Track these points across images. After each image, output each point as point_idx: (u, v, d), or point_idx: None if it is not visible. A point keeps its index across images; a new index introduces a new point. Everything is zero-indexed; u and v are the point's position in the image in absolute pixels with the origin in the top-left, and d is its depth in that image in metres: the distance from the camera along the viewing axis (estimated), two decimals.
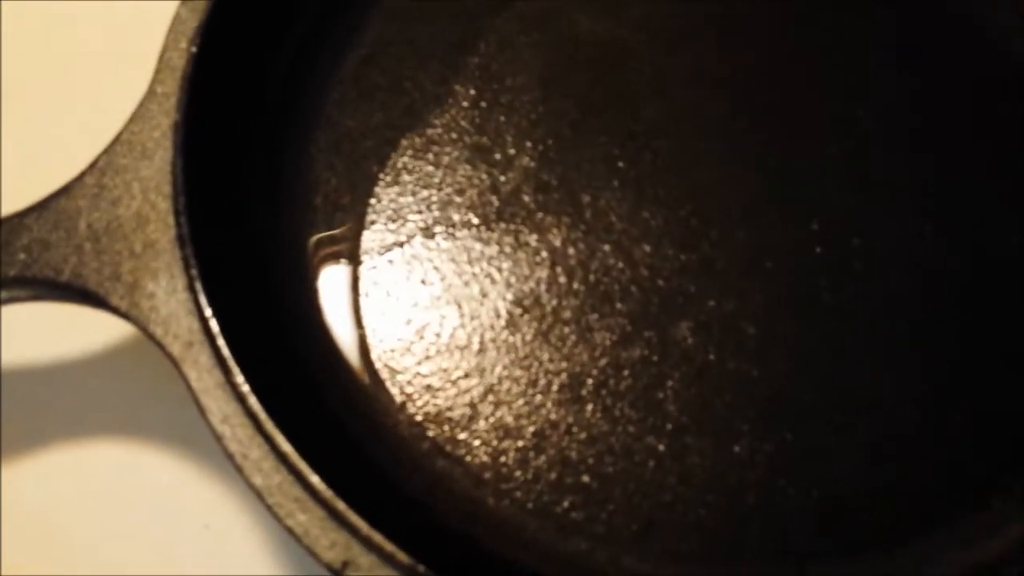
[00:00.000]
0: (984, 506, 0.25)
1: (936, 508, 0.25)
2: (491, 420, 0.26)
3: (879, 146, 0.29)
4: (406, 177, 0.29)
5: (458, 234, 0.28)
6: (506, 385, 0.26)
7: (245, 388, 0.22)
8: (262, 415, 0.22)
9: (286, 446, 0.21)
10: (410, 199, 0.29)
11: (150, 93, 0.26)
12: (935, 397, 0.26)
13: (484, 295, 0.28)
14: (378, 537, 0.21)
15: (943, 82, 0.30)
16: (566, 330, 0.27)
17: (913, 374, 0.26)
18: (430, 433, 0.26)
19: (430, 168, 0.29)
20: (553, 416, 0.26)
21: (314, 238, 0.28)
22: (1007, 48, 0.30)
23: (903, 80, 0.30)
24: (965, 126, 0.29)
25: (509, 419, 0.26)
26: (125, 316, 0.24)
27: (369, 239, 0.28)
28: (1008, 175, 0.28)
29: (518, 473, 0.25)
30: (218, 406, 0.22)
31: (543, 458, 0.26)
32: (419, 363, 0.27)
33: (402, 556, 0.21)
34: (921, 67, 0.30)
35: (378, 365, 0.27)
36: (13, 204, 0.25)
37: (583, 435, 0.26)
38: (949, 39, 0.30)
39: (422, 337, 0.27)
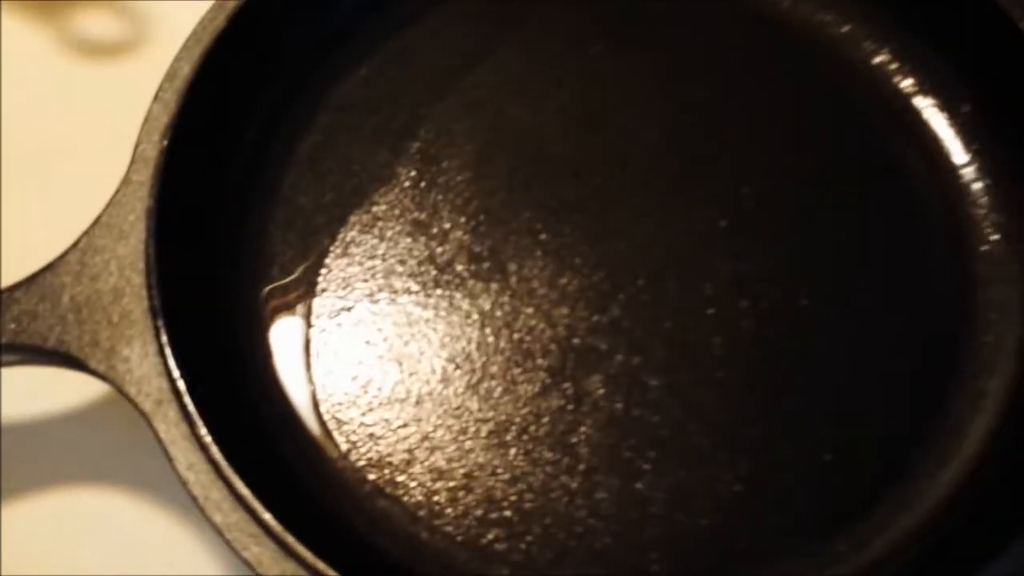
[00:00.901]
0: (850, 529, 0.29)
1: (806, 531, 0.29)
2: (426, 464, 0.29)
3: (761, 220, 0.32)
4: (354, 249, 0.33)
5: (399, 300, 0.32)
6: (440, 433, 0.30)
7: (208, 439, 0.25)
8: (222, 462, 0.25)
9: (243, 489, 0.25)
10: (357, 269, 0.32)
11: (126, 181, 0.29)
12: (807, 437, 0.30)
13: (422, 353, 0.31)
14: (322, 566, 0.24)
15: (818, 162, 0.34)
16: (493, 383, 0.31)
17: (789, 417, 0.30)
18: (372, 477, 0.29)
19: (375, 241, 0.33)
20: (480, 459, 0.30)
21: (271, 304, 0.31)
22: (874, 131, 0.35)
23: (783, 160, 0.34)
24: (838, 201, 0.33)
25: (442, 463, 0.29)
26: (103, 378, 0.27)
27: (320, 305, 0.32)
28: (869, 246, 0.33)
29: (449, 510, 0.29)
30: (184, 455, 0.26)
31: (471, 496, 0.29)
32: (363, 414, 0.30)
33: None
34: (799, 149, 0.34)
35: (326, 417, 0.30)
36: (3, 279, 0.28)
37: (506, 475, 0.29)
38: (826, 124, 0.35)
39: (366, 391, 0.30)
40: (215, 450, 0.25)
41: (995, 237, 0.33)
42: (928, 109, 0.35)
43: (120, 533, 0.30)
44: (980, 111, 0.34)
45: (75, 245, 0.28)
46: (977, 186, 0.34)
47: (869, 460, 0.30)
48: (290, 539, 0.24)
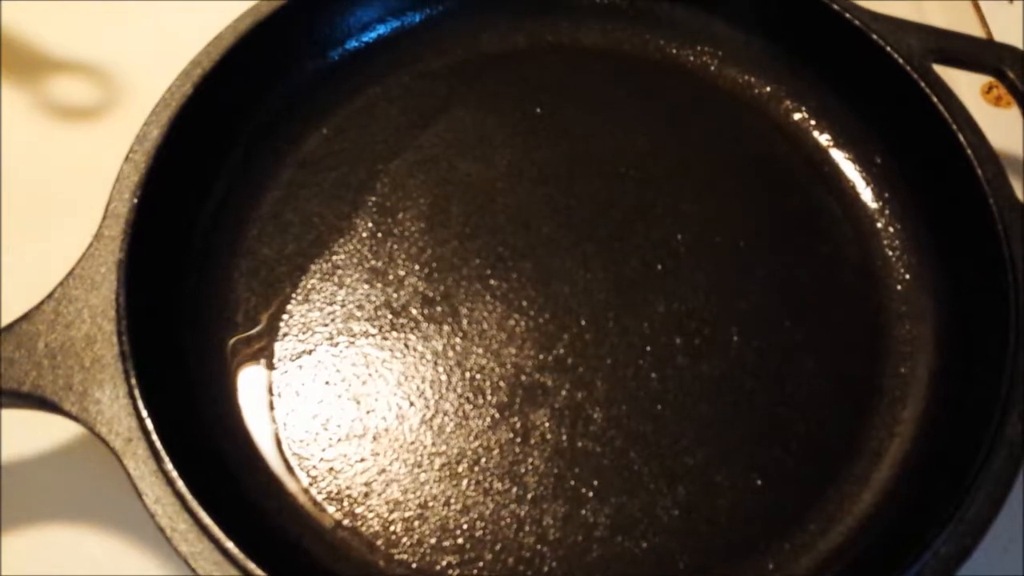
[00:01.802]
0: (778, 549, 0.31)
1: (739, 551, 0.31)
2: (383, 496, 0.31)
3: (694, 264, 0.35)
4: (314, 296, 0.35)
5: (357, 342, 0.34)
6: (396, 466, 0.32)
7: (174, 474, 0.27)
8: (188, 496, 0.27)
9: (207, 520, 0.26)
10: (317, 314, 0.34)
11: (98, 236, 0.31)
12: (738, 464, 0.32)
13: (378, 392, 0.33)
14: None
15: (746, 210, 0.37)
16: (446, 419, 0.33)
17: (721, 446, 0.32)
18: (332, 509, 0.31)
19: (334, 288, 0.35)
20: (434, 490, 0.31)
21: (235, 347, 0.33)
22: (796, 182, 0.38)
23: (714, 209, 0.36)
24: (764, 246, 0.36)
25: (398, 494, 0.31)
26: (76, 419, 0.28)
27: (282, 348, 0.33)
28: (793, 286, 0.35)
29: (405, 539, 0.31)
30: (152, 490, 0.27)
31: (426, 526, 0.31)
32: (323, 450, 0.32)
33: None
34: (728, 198, 0.37)
35: (288, 453, 0.32)
36: None
37: (459, 505, 0.31)
38: (752, 175, 0.38)
39: (326, 428, 0.32)
40: (181, 484, 0.27)
41: (907, 277, 0.36)
42: (844, 161, 0.38)
43: (91, 566, 0.31)
44: (891, 163, 0.37)
45: (50, 295, 0.30)
46: (890, 230, 0.37)
47: (795, 484, 0.32)
48: (252, 566, 0.26)
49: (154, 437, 0.27)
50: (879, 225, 0.37)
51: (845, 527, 0.31)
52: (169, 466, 0.27)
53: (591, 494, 0.31)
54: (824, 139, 0.38)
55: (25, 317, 0.30)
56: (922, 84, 0.36)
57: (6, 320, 0.30)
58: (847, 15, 0.37)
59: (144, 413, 0.28)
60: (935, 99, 0.35)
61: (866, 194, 0.37)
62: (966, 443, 0.30)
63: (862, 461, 0.32)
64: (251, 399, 0.32)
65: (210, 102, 0.34)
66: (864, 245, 0.36)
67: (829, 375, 0.34)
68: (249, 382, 0.33)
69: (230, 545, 0.26)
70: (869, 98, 0.38)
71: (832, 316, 0.35)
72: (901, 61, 0.36)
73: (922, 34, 0.37)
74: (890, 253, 0.36)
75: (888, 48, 0.36)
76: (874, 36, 0.36)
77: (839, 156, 0.38)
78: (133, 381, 0.28)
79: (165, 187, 0.32)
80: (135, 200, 0.31)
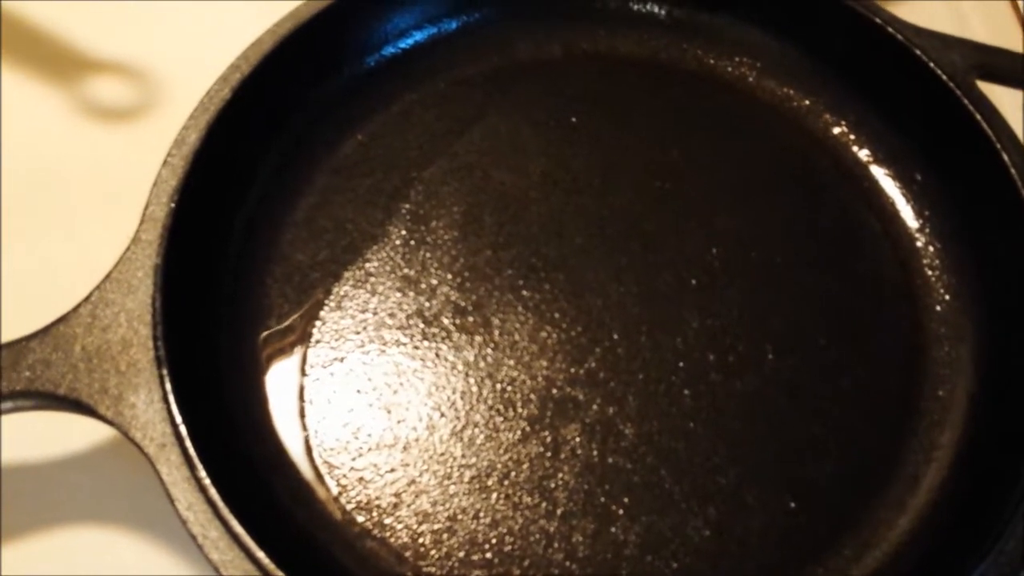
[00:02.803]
0: (810, 573, 0.30)
1: (767, 573, 0.30)
2: (412, 507, 0.31)
3: (728, 281, 0.35)
4: (347, 303, 0.35)
5: (389, 351, 0.34)
6: (425, 477, 0.32)
7: (207, 481, 0.27)
8: (220, 503, 0.27)
9: (238, 528, 0.26)
10: (349, 321, 0.34)
11: (136, 240, 0.31)
12: (771, 484, 0.32)
13: (409, 402, 0.33)
14: None
15: (782, 225, 0.36)
16: (476, 431, 0.32)
17: (754, 466, 0.32)
18: (361, 519, 0.31)
19: (367, 295, 0.35)
20: (464, 503, 0.31)
21: (268, 354, 0.33)
22: (834, 198, 0.37)
23: (750, 223, 0.36)
24: (801, 262, 0.36)
25: (427, 506, 0.31)
26: (110, 423, 0.28)
27: (314, 355, 0.33)
28: (830, 305, 0.35)
29: (433, 552, 0.30)
30: (184, 496, 0.27)
31: (454, 539, 0.31)
32: (353, 459, 0.32)
33: None
34: (764, 212, 0.36)
35: (319, 462, 0.32)
36: (20, 331, 0.30)
37: (488, 519, 0.31)
38: (789, 190, 0.37)
39: (356, 437, 0.32)
40: (213, 491, 0.27)
41: (947, 297, 0.35)
42: (884, 177, 0.37)
43: (121, 569, 0.31)
44: (932, 180, 0.37)
45: (87, 299, 0.30)
46: (930, 249, 0.36)
47: (829, 507, 0.31)
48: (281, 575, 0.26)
49: (188, 443, 0.28)
50: (919, 243, 0.36)
51: (880, 552, 0.30)
52: (202, 473, 0.27)
53: (621, 511, 0.31)
54: (864, 154, 0.38)
55: (62, 320, 0.30)
56: (965, 101, 0.35)
57: (43, 323, 0.30)
58: (890, 29, 0.36)
59: (178, 419, 0.28)
60: (978, 116, 0.35)
61: (906, 211, 0.37)
62: (1006, 470, 0.30)
63: (899, 486, 0.32)
64: (283, 405, 0.32)
65: (248, 107, 0.34)
66: (903, 264, 0.36)
67: (865, 396, 0.33)
68: (281, 388, 0.33)
69: (261, 554, 0.26)
70: (910, 113, 0.37)
71: (869, 335, 0.34)
72: (944, 77, 0.35)
73: (965, 50, 0.36)
74: (930, 272, 0.36)
75: (931, 64, 0.36)
76: (917, 51, 0.36)
77: (879, 172, 0.38)
78: (168, 386, 0.28)
79: (202, 192, 0.32)
80: (172, 205, 0.31)
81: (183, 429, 0.28)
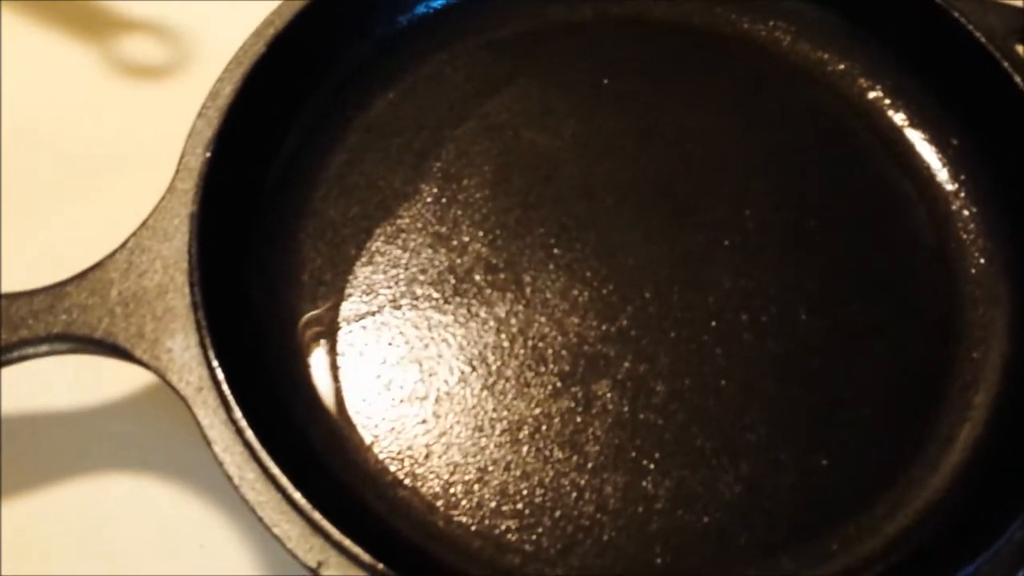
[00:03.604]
0: (843, 530, 0.30)
1: (801, 530, 0.30)
2: (443, 458, 0.31)
3: (762, 240, 0.35)
4: (378, 259, 0.35)
5: (420, 306, 0.34)
6: (456, 429, 0.32)
7: (243, 423, 0.27)
8: (256, 444, 0.27)
9: (275, 469, 0.26)
10: (381, 277, 0.34)
11: (171, 189, 0.31)
12: (803, 442, 0.31)
13: (440, 356, 0.33)
14: (347, 542, 0.26)
15: (816, 188, 0.36)
16: (507, 385, 0.32)
17: (786, 424, 0.32)
18: (392, 468, 0.31)
19: (398, 252, 0.35)
20: (495, 455, 0.31)
21: (300, 306, 0.33)
22: (868, 161, 0.37)
23: (782, 185, 0.36)
24: (834, 224, 0.35)
25: (458, 457, 0.31)
26: (147, 366, 0.29)
27: (346, 309, 0.34)
28: (865, 267, 0.35)
29: (464, 501, 0.31)
30: (221, 438, 0.27)
31: (485, 489, 0.31)
32: (385, 410, 0.32)
33: (366, 557, 0.25)
34: (797, 175, 0.36)
35: (351, 412, 0.32)
36: (58, 275, 0.30)
37: (519, 471, 0.31)
38: (823, 153, 0.37)
39: (388, 389, 0.32)
40: (250, 433, 0.27)
41: (982, 261, 0.35)
42: (920, 142, 0.37)
43: (155, 514, 0.31)
44: (968, 144, 0.36)
45: (123, 245, 0.30)
46: (965, 213, 0.36)
47: (862, 465, 0.31)
48: (317, 516, 0.26)
49: (224, 387, 0.28)
50: (954, 207, 0.36)
51: (913, 511, 0.30)
52: (238, 414, 0.27)
53: (652, 466, 0.31)
54: (899, 118, 0.38)
55: (98, 265, 0.30)
56: (1004, 64, 0.35)
57: (81, 267, 0.30)
58: None
59: (215, 363, 0.28)
60: (1017, 79, 0.34)
61: (941, 175, 0.37)
62: None
63: (932, 445, 0.31)
64: (316, 357, 0.33)
65: (281, 62, 0.34)
66: (938, 227, 0.35)
67: (899, 357, 0.33)
68: (313, 340, 0.33)
69: (297, 495, 0.26)
70: (947, 78, 0.37)
71: (903, 298, 0.34)
72: (983, 40, 0.35)
73: (1005, 13, 0.36)
74: (964, 236, 0.35)
75: (970, 27, 0.35)
76: (956, 14, 0.36)
77: (915, 136, 0.37)
78: (204, 331, 0.29)
79: (236, 143, 0.32)
80: (208, 154, 0.31)
81: (219, 373, 0.28)
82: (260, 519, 0.26)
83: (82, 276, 0.30)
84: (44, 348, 0.29)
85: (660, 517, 0.30)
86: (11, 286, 0.30)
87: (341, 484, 0.30)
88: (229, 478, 0.27)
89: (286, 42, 0.34)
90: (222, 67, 0.33)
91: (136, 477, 0.32)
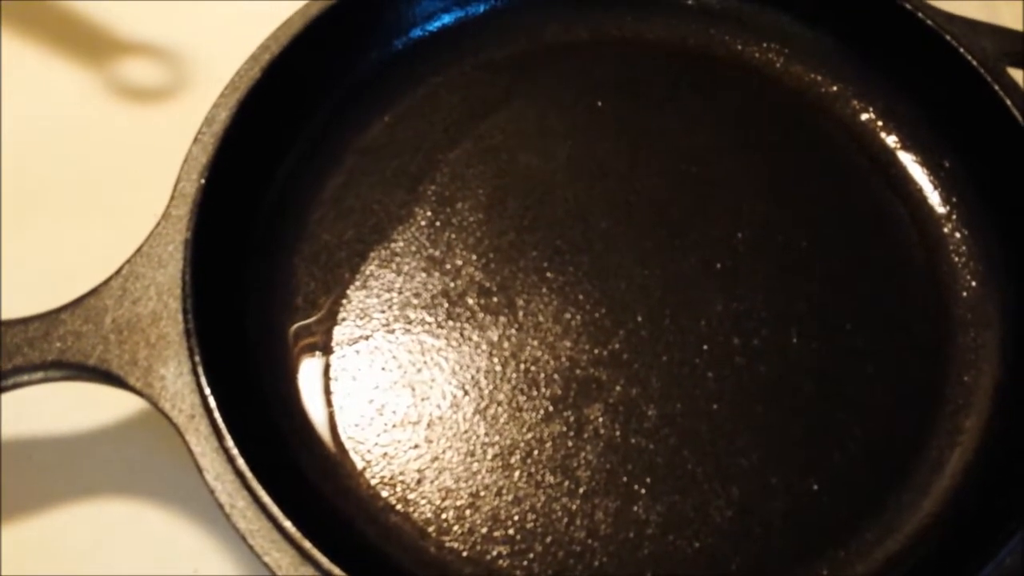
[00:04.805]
0: (832, 555, 0.30)
1: (792, 555, 0.30)
2: (435, 483, 0.31)
3: (754, 264, 0.35)
4: (372, 283, 0.35)
5: (414, 330, 0.34)
6: (449, 454, 0.32)
7: (235, 451, 0.27)
8: (247, 473, 0.27)
9: (266, 498, 0.27)
10: (375, 301, 0.35)
11: (166, 215, 0.31)
12: (794, 466, 0.31)
13: (433, 380, 0.33)
14: (337, 570, 0.26)
15: (809, 211, 0.36)
16: (499, 409, 0.33)
17: (777, 448, 0.32)
18: (384, 494, 0.31)
19: (392, 275, 0.35)
20: (486, 480, 0.31)
21: (294, 331, 0.33)
22: (861, 183, 0.37)
23: (775, 208, 0.36)
24: (827, 248, 0.35)
25: (450, 482, 0.31)
26: (140, 394, 0.29)
27: (340, 333, 0.34)
28: (856, 290, 0.35)
29: (456, 527, 0.31)
30: (212, 466, 0.27)
31: (477, 515, 0.31)
32: (378, 435, 0.32)
33: None
34: (790, 198, 0.36)
35: (344, 437, 0.32)
36: (52, 303, 0.30)
37: (510, 496, 0.31)
38: (816, 175, 0.37)
39: (381, 414, 0.32)
40: (241, 462, 0.27)
41: (973, 284, 0.35)
42: (911, 164, 0.37)
43: (148, 541, 0.31)
44: (960, 167, 0.37)
45: (118, 272, 0.31)
46: (956, 236, 0.36)
47: (852, 489, 0.31)
48: (307, 545, 0.26)
49: (216, 414, 0.28)
50: (946, 230, 0.36)
51: (903, 536, 0.30)
52: (230, 443, 0.27)
53: (643, 491, 0.31)
54: (891, 141, 0.38)
55: (93, 292, 0.30)
56: (995, 87, 0.35)
57: (75, 295, 0.30)
58: (920, 15, 0.36)
59: (207, 391, 0.28)
60: (1008, 102, 0.34)
61: (933, 198, 0.37)
62: None
63: (922, 469, 0.32)
64: (309, 382, 0.33)
65: (277, 87, 0.34)
66: (930, 250, 0.36)
67: (890, 381, 0.33)
68: (307, 365, 0.33)
69: (287, 524, 0.26)
70: (939, 100, 0.37)
71: (894, 321, 0.34)
72: (974, 63, 0.35)
73: (996, 36, 0.36)
74: (956, 259, 0.35)
75: (961, 50, 0.35)
76: (947, 37, 0.36)
77: (907, 159, 0.37)
78: (197, 358, 0.29)
79: (232, 169, 0.33)
80: (203, 181, 0.31)
81: (212, 400, 0.28)
82: (251, 547, 0.26)
83: (77, 303, 0.30)
84: (39, 375, 0.29)
85: (651, 542, 0.30)
86: (6, 310, 0.30)
87: (333, 510, 0.30)
88: (220, 506, 0.27)
89: (282, 67, 0.35)
90: (222, 88, 0.34)
91: (130, 503, 0.32)
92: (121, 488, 0.32)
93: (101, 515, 0.32)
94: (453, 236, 0.36)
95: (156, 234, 0.31)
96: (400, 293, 0.35)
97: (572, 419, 0.32)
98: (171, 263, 0.31)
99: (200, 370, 0.29)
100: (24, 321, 0.30)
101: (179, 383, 0.29)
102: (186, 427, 0.28)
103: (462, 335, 0.34)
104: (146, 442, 0.33)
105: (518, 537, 0.30)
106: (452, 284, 0.35)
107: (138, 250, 0.31)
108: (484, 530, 0.31)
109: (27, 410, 0.33)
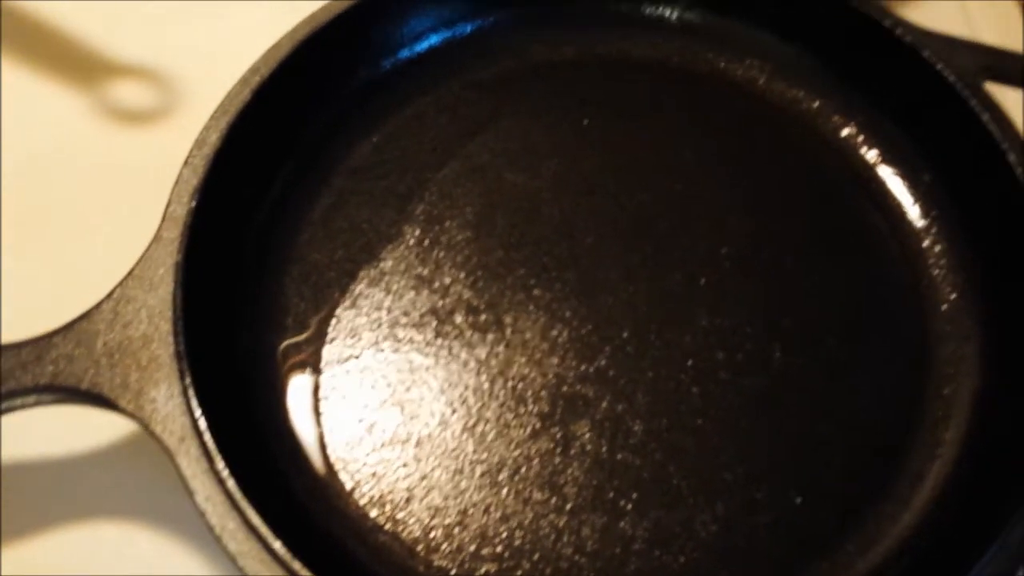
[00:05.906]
0: (815, 568, 0.31)
1: (776, 569, 0.31)
2: (424, 502, 0.32)
3: (737, 280, 0.35)
4: (362, 302, 0.35)
5: (402, 349, 0.34)
6: (437, 473, 0.32)
7: (225, 473, 0.28)
8: (237, 495, 0.27)
9: (256, 519, 0.27)
10: (364, 320, 0.35)
11: (157, 238, 0.31)
12: (778, 481, 0.32)
13: (422, 399, 0.33)
14: None
15: (791, 226, 0.37)
16: (487, 427, 0.33)
17: (761, 462, 0.32)
18: (373, 513, 0.31)
19: (381, 295, 0.35)
20: (475, 498, 0.32)
21: (284, 351, 0.34)
22: (842, 198, 0.38)
23: (758, 223, 0.36)
24: (809, 262, 0.36)
25: (439, 501, 0.32)
26: (132, 416, 0.29)
27: (329, 352, 0.34)
28: (838, 304, 0.35)
29: (444, 545, 0.31)
30: (203, 488, 0.28)
31: (465, 533, 0.31)
32: (367, 455, 0.32)
33: None
34: (773, 213, 0.37)
35: (333, 457, 0.32)
36: (44, 327, 0.30)
37: (498, 514, 0.32)
38: (798, 190, 0.38)
39: (370, 433, 0.33)
40: (231, 484, 0.28)
41: (953, 296, 0.35)
42: (892, 178, 0.38)
43: (140, 563, 0.32)
44: (940, 181, 0.37)
45: (109, 295, 0.31)
46: (936, 249, 0.36)
47: (835, 502, 0.32)
48: (297, 566, 0.26)
49: (206, 437, 0.28)
50: (925, 244, 0.37)
51: (884, 548, 0.31)
52: (220, 466, 0.28)
53: (630, 507, 0.32)
54: (872, 155, 0.38)
55: (85, 316, 0.31)
56: (973, 103, 0.35)
57: (66, 319, 0.31)
58: (898, 31, 0.37)
59: (197, 413, 0.29)
60: (986, 118, 0.35)
61: (913, 212, 0.37)
62: (1010, 466, 0.30)
63: (903, 482, 0.32)
64: (298, 402, 0.33)
65: (267, 109, 0.35)
66: (910, 263, 0.36)
67: (871, 394, 0.34)
68: (297, 385, 0.33)
69: (277, 545, 0.27)
70: (919, 115, 0.38)
71: (876, 334, 0.35)
72: (952, 79, 0.36)
73: (974, 52, 0.37)
74: (936, 272, 0.36)
75: (939, 66, 0.36)
76: (925, 53, 0.36)
77: (887, 173, 0.38)
78: (188, 381, 0.29)
79: (222, 192, 0.33)
80: (193, 204, 0.32)
81: (202, 423, 0.28)
82: (241, 569, 0.27)
83: (69, 327, 0.30)
84: (32, 399, 0.30)
85: (638, 558, 0.31)
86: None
87: (323, 530, 0.30)
88: (211, 528, 0.27)
89: (271, 89, 0.35)
90: (212, 110, 0.34)
91: (122, 525, 0.32)
92: (112, 511, 0.33)
93: (92, 537, 0.32)
94: (442, 255, 0.36)
95: (147, 257, 0.32)
96: (389, 312, 0.35)
97: (559, 436, 0.33)
98: (162, 286, 0.31)
99: (191, 392, 0.29)
100: (17, 345, 0.30)
101: (170, 405, 0.29)
102: (177, 449, 0.28)
103: (450, 353, 0.34)
104: (138, 464, 0.33)
105: (506, 555, 0.31)
106: (441, 302, 0.35)
107: (129, 273, 0.31)
108: (472, 548, 0.31)
109: (18, 433, 0.33)
